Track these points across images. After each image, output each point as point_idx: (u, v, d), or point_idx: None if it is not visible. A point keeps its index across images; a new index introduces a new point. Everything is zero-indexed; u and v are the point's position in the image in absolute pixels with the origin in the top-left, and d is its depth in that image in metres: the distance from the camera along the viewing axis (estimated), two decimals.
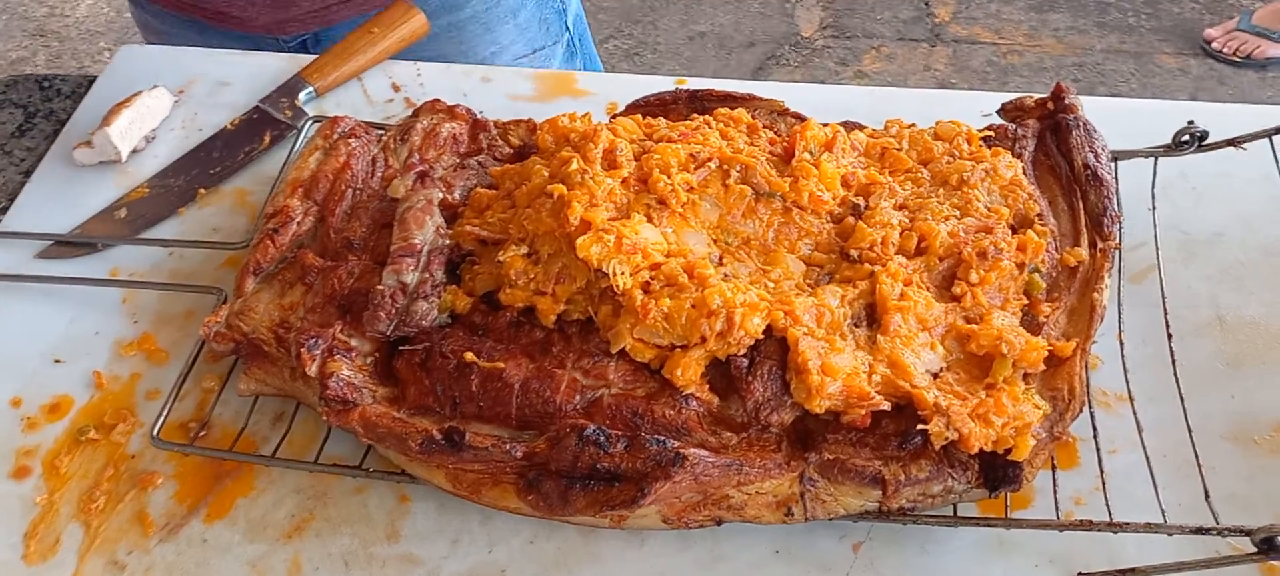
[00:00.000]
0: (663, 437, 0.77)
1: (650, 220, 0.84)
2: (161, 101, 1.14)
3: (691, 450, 0.76)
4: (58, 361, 0.94)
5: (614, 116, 0.98)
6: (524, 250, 0.85)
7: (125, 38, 3.24)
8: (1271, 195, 0.95)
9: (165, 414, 0.87)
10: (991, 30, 3.18)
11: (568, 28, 1.39)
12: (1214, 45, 3.07)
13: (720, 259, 0.85)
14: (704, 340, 0.79)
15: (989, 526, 0.79)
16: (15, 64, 3.14)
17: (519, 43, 1.33)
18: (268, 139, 1.11)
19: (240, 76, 1.21)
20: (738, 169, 0.88)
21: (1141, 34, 3.21)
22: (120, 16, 3.35)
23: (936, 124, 0.95)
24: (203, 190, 1.07)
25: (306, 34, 1.32)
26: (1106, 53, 3.12)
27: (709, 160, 0.89)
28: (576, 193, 0.84)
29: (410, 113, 1.03)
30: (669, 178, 0.86)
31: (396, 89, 1.19)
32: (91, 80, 1.22)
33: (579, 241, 0.81)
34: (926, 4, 3.27)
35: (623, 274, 0.80)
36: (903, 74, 3.02)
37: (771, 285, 0.84)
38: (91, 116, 1.14)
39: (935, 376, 0.80)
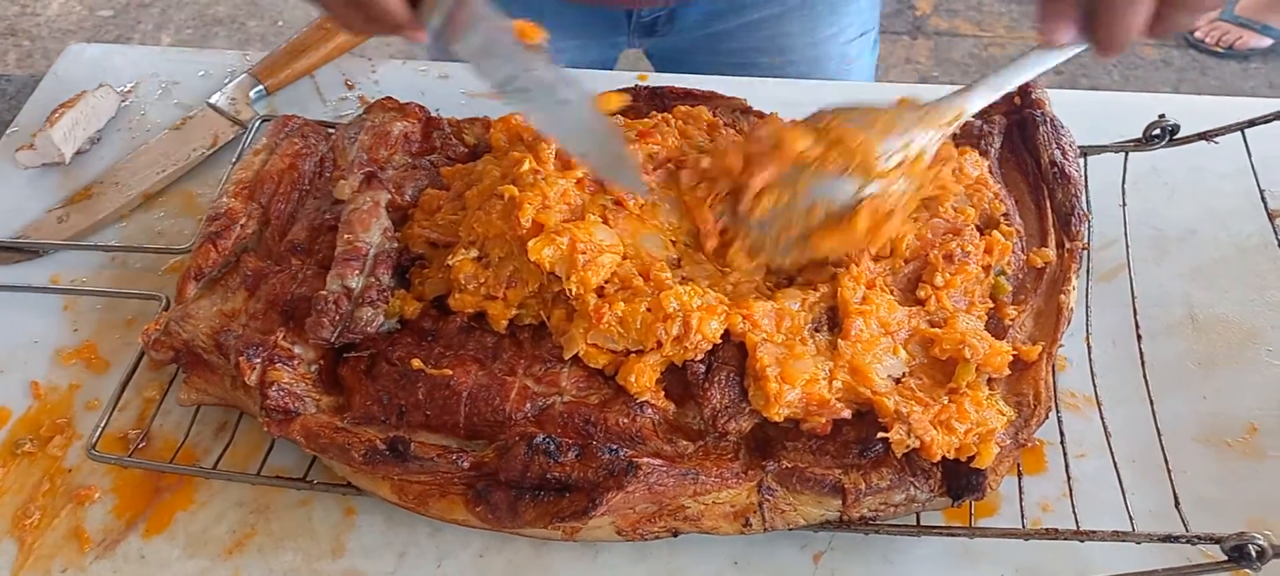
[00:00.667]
0: (615, 446, 0.74)
1: (606, 222, 0.82)
2: (107, 101, 1.11)
3: (645, 459, 0.73)
4: None
5: None
6: (474, 253, 0.83)
7: (97, 36, 3.20)
8: (1245, 190, 0.93)
9: (103, 425, 0.84)
10: (973, 22, 3.15)
11: (877, 17, 1.39)
12: (1196, 35, 3.05)
13: (678, 261, 0.83)
14: (660, 345, 0.76)
15: (953, 535, 0.77)
16: None
17: (855, 24, 1.32)
18: (215, 139, 1.08)
19: (189, 75, 1.17)
20: None
21: None
22: (93, 15, 3.30)
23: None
24: (148, 193, 1.04)
25: (660, 11, 1.25)
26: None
27: (667, 161, 0.86)
28: (528, 194, 0.81)
29: (362, 111, 1.00)
30: None
31: (350, 87, 1.16)
32: (39, 80, 1.19)
33: (530, 244, 0.78)
34: None
35: (576, 277, 0.77)
36: (884, 67, 2.99)
37: (730, 288, 0.81)
38: (35, 118, 1.11)
39: (897, 382, 0.77)
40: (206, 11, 3.30)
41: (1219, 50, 3.02)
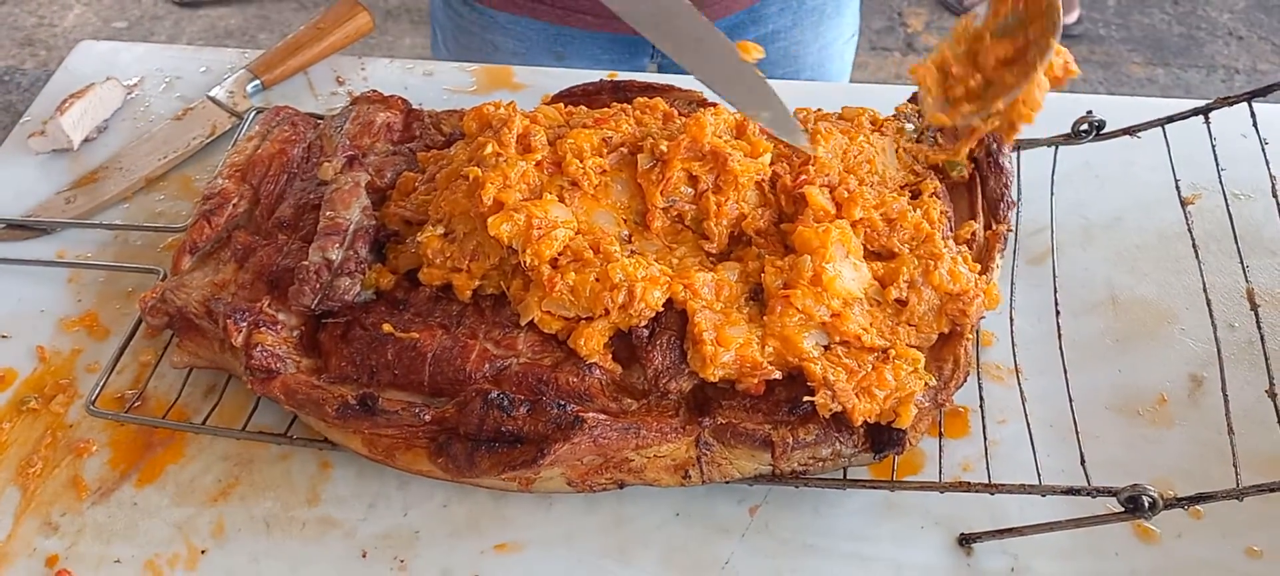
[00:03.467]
0: (563, 402, 0.81)
1: (562, 201, 0.89)
2: (114, 93, 1.19)
3: (591, 414, 0.80)
4: (3, 336, 0.98)
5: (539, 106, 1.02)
6: (441, 230, 0.90)
7: None
8: (1168, 182, 0.99)
9: (102, 386, 0.91)
10: None
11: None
12: None
13: (629, 237, 0.90)
14: (607, 312, 0.83)
15: (877, 488, 0.83)
16: (4, 72, 3.19)
17: (850, 24, 1.45)
18: (213, 129, 1.15)
19: (190, 71, 1.25)
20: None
21: (1111, 44, 3.26)
22: (107, 27, 3.40)
23: (842, 109, 0.99)
24: (150, 177, 1.12)
25: None
26: (1076, 62, 3.16)
27: (621, 146, 0.93)
28: (490, 175, 0.88)
29: (349, 103, 1.08)
30: (581, 161, 0.90)
31: (340, 83, 1.23)
32: (50, 75, 1.27)
33: (490, 221, 0.85)
34: (899, 14, 3.32)
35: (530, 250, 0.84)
36: (874, 83, 3.06)
37: (675, 261, 0.88)
38: (46, 108, 1.19)
39: (826, 349, 0.84)
40: (218, 24, 3.40)
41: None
